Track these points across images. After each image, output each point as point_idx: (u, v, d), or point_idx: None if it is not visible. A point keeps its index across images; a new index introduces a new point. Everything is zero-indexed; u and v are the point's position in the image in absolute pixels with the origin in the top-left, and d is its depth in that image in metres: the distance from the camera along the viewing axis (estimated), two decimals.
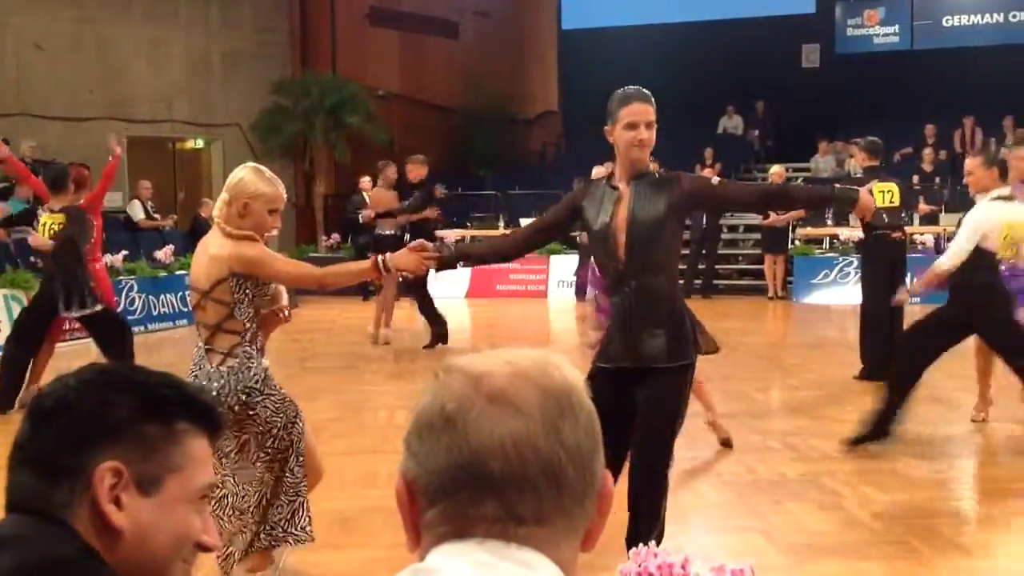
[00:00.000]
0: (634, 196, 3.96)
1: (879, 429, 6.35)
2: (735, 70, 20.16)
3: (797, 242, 16.06)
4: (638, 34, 20.62)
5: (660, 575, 2.14)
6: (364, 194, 12.40)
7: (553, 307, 15.66)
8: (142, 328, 12.71)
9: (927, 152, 17.67)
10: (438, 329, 11.00)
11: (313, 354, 10.58)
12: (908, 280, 9.12)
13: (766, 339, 12.47)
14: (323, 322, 13.52)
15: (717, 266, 17.35)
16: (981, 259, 6.25)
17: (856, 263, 13.79)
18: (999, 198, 6.32)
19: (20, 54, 16.88)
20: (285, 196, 4.10)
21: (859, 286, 9.97)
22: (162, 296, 13.32)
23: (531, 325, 14.18)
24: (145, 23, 17.86)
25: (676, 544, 4.11)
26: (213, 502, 3.94)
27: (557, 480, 1.09)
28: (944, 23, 20.41)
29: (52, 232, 8.19)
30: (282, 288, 4.25)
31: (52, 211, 8.30)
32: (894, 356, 6.88)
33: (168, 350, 11.84)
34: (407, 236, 10.58)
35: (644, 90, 3.99)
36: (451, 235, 16.61)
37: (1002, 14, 20.09)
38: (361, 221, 12.25)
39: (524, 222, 17.09)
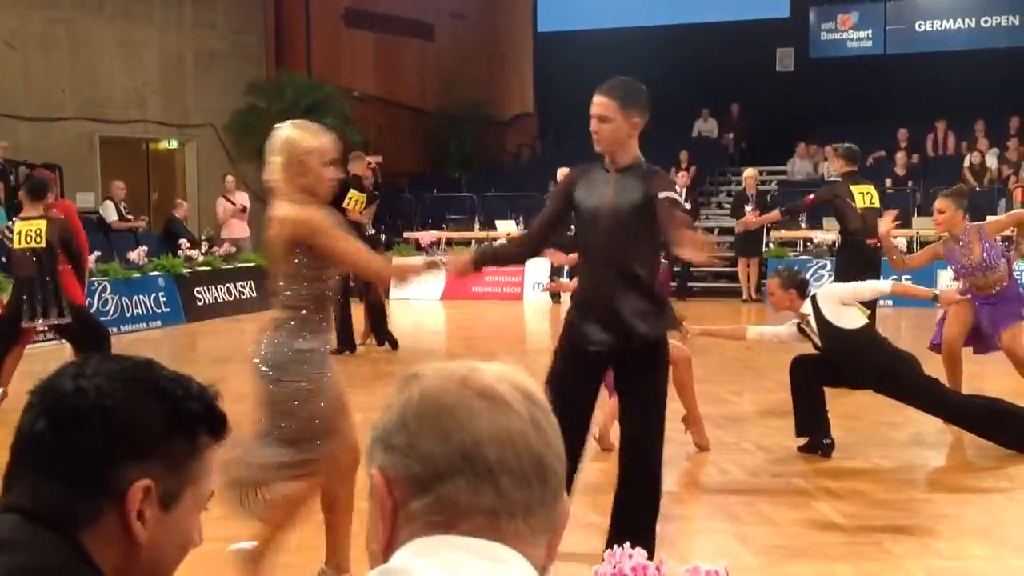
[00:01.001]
0: (617, 183, 4.03)
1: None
2: (710, 73, 20.26)
3: (771, 245, 16.13)
4: (613, 37, 20.66)
5: None
6: None
7: (528, 310, 15.67)
8: (115, 329, 12.62)
9: (899, 156, 17.81)
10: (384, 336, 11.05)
11: None
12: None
13: (740, 342, 12.49)
14: None
15: (692, 268, 17.41)
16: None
17: (830, 266, 13.87)
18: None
19: None
20: (335, 146, 4.01)
21: None
22: (135, 297, 13.23)
23: (507, 327, 14.18)
24: (118, 22, 17.71)
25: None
26: None
27: (544, 477, 1.11)
28: (917, 28, 20.58)
29: (28, 240, 8.10)
30: None
31: (28, 218, 8.20)
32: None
33: (141, 352, 11.74)
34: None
35: (613, 81, 4.05)
36: (426, 236, 16.61)
37: (974, 19, 20.27)
38: None
39: (500, 224, 17.20)
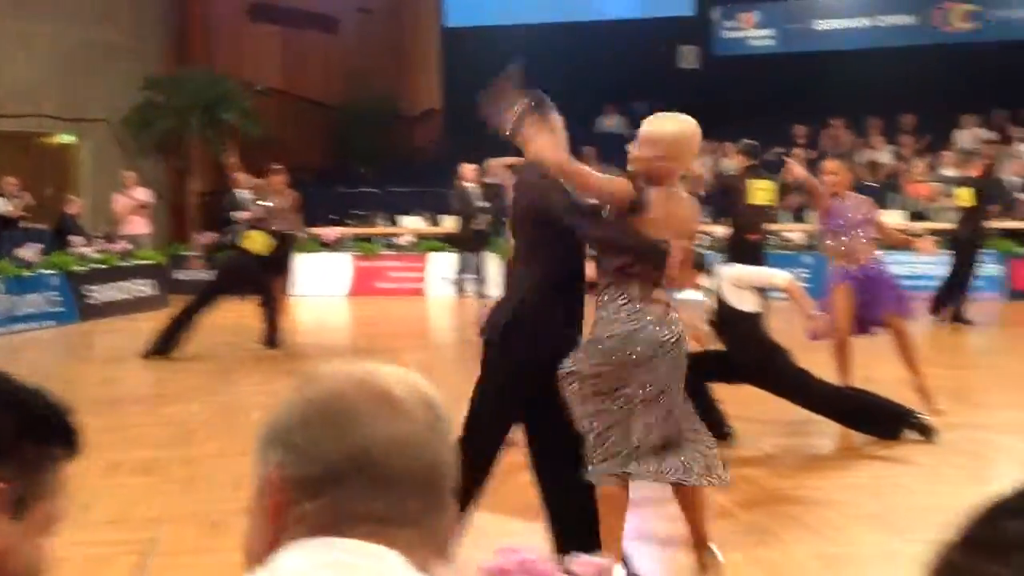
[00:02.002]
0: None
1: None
2: (616, 70, 20.41)
3: None
4: (520, 33, 20.68)
5: (522, 570, 2.14)
6: (235, 192, 12.09)
7: (432, 305, 15.62)
8: (5, 329, 12.26)
9: (796, 152, 18.14)
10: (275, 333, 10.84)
11: (184, 354, 10.30)
12: None
13: None
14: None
15: None
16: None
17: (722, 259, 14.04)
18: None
19: None
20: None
21: None
22: (27, 296, 12.84)
23: (411, 323, 14.10)
24: (13, 13, 17.13)
25: (531, 539, 4.12)
26: None
27: (436, 486, 1.10)
28: (815, 27, 21.02)
29: None
30: None
31: None
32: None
33: (32, 351, 11.43)
34: None
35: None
36: (331, 233, 16.42)
37: (870, 18, 20.79)
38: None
39: (404, 220, 17.10)
